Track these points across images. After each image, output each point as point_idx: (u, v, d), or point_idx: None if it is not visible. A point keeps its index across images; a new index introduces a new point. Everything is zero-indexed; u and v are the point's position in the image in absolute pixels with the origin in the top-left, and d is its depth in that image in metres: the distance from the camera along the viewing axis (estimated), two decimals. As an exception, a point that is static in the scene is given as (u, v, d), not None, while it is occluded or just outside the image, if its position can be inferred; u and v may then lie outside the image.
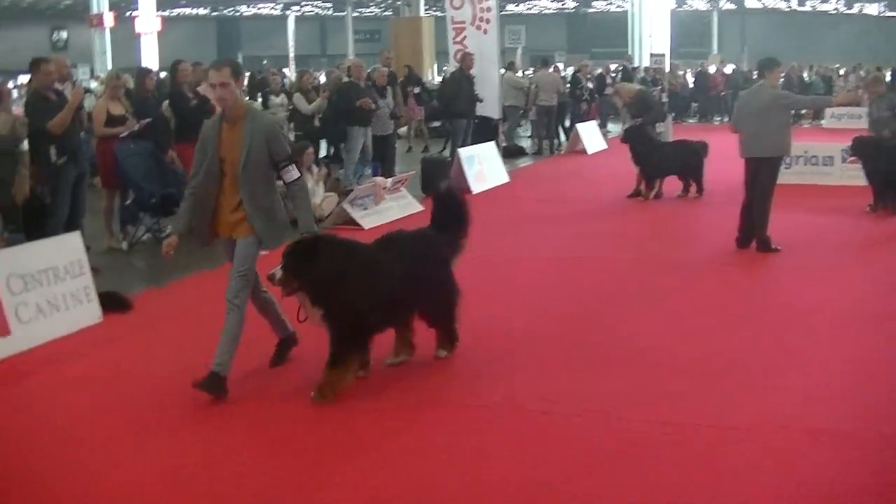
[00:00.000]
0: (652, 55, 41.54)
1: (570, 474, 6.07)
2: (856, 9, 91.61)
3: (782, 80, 36.31)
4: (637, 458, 6.25)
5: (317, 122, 19.24)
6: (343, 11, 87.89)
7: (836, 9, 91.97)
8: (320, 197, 15.68)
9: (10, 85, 23.79)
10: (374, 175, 17.39)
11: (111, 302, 10.10)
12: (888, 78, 37.09)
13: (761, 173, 12.40)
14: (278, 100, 21.05)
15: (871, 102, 16.49)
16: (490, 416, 7.10)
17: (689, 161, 17.21)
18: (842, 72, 42.97)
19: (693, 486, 5.87)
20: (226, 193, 7.53)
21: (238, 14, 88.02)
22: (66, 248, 9.93)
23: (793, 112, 13.66)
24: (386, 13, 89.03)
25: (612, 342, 8.90)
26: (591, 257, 12.80)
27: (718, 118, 37.71)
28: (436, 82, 30.75)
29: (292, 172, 7.48)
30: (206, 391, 7.32)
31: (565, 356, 8.48)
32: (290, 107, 19.74)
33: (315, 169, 16.02)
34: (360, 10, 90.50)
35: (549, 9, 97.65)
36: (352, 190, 15.65)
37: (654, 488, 5.85)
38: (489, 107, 22.00)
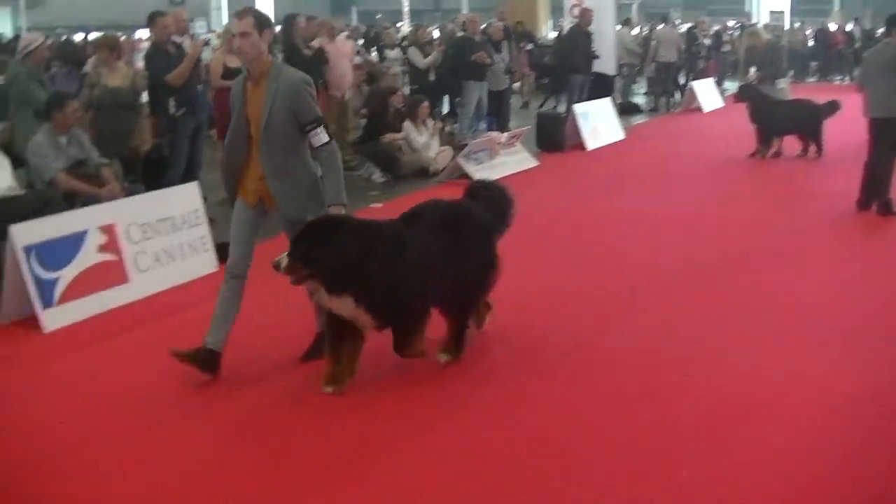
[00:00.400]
0: (771, 12, 40.74)
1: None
2: None
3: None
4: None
5: (432, 77, 19.18)
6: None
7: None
8: (435, 150, 15.64)
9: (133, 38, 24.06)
10: (489, 129, 17.30)
11: (227, 252, 10.13)
12: None
13: (885, 134, 12.01)
14: (393, 53, 21.05)
15: None
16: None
17: (807, 120, 16.75)
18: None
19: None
20: (254, 159, 6.89)
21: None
22: (184, 199, 10.00)
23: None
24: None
25: (725, 300, 8.68)
26: (705, 215, 12.50)
27: (839, 77, 36.85)
28: (550, 38, 30.45)
29: (320, 136, 6.72)
30: (197, 367, 6.89)
31: (674, 315, 8.29)
32: (406, 61, 19.69)
33: (430, 123, 15.96)
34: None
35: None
36: (466, 144, 15.56)
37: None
38: (605, 63, 21.67)
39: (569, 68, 20.48)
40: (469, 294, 7.27)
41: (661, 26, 27.89)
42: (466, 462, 5.60)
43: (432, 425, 6.18)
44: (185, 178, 11.58)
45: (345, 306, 6.43)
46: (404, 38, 24.75)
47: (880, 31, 38.16)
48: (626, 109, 23.95)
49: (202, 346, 6.91)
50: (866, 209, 12.25)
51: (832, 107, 16.50)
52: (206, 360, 6.91)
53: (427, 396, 6.60)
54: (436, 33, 26.97)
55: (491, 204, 7.78)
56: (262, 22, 6.79)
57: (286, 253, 6.42)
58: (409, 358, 6.84)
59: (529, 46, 25.80)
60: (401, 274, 6.48)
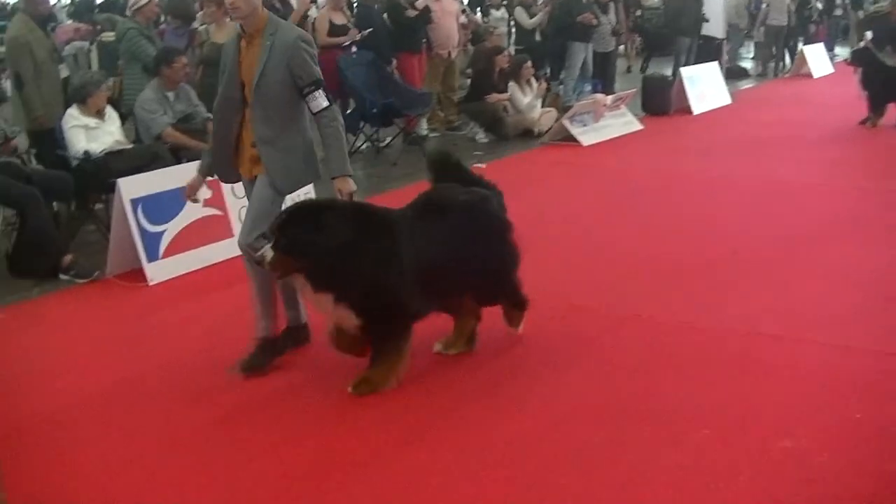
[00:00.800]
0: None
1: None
2: None
3: None
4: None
5: (538, 37, 19.00)
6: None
7: None
8: (539, 111, 15.50)
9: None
10: (595, 92, 17.09)
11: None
12: None
13: None
14: (499, 13, 20.88)
15: None
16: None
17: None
18: None
19: None
20: (248, 127, 6.24)
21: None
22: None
23: None
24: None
25: (826, 270, 8.42)
26: (812, 184, 12.09)
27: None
28: (657, 1, 30.01)
29: (319, 100, 6.07)
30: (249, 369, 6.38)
31: (775, 284, 8.06)
32: (513, 20, 19.54)
33: (534, 83, 15.81)
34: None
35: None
36: (571, 106, 15.40)
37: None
38: (713, 26, 21.25)
39: (676, 31, 20.18)
40: (494, 281, 6.50)
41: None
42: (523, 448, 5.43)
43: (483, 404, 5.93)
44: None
45: (327, 305, 5.78)
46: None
47: None
48: (734, 74, 23.50)
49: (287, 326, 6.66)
50: None
51: None
52: (297, 338, 6.73)
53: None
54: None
55: None
56: None
57: (269, 244, 5.72)
58: (368, 382, 5.99)
59: (639, 13, 25.39)
60: (389, 271, 5.76)
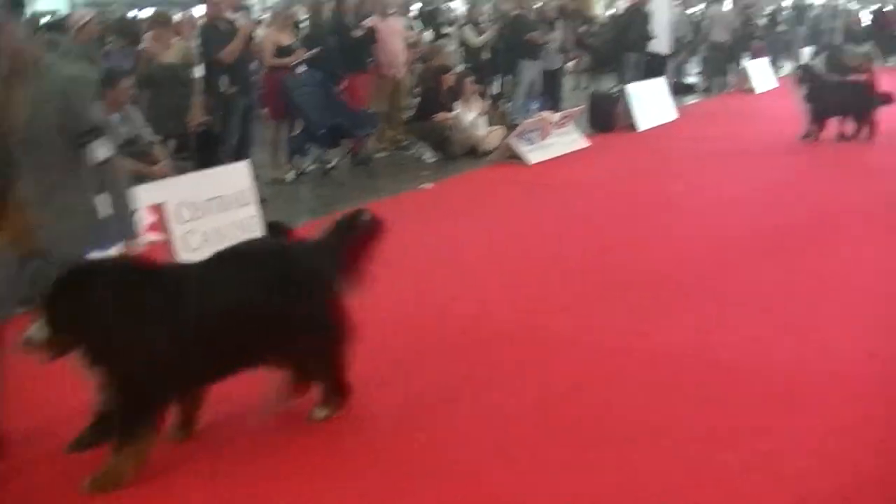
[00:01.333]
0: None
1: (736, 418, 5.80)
2: None
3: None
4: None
5: (486, 55, 19.04)
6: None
7: None
8: (484, 129, 15.51)
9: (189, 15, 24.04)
10: (542, 110, 17.15)
11: (275, 232, 10.07)
12: None
13: None
14: (449, 30, 20.93)
15: None
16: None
17: (857, 102, 16.41)
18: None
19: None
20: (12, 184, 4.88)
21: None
22: (235, 178, 9.92)
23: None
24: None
25: (770, 289, 8.47)
26: (758, 198, 12.20)
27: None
28: (605, 17, 30.19)
29: (99, 151, 5.04)
30: None
31: (730, 296, 8.09)
32: (461, 39, 19.58)
33: (477, 100, 15.83)
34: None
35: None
36: (519, 124, 15.43)
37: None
38: (658, 42, 21.41)
39: (623, 47, 20.31)
40: (311, 350, 5.62)
41: (714, 6, 27.48)
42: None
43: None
44: (237, 156, 11.54)
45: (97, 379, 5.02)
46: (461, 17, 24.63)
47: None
48: (680, 89, 23.66)
49: None
50: None
51: (887, 98, 16.17)
52: None
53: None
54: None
55: (342, 243, 5.82)
56: (14, 2, 5.57)
57: (38, 322, 4.71)
58: (109, 471, 5.03)
59: (582, 28, 25.48)
60: (158, 340, 4.92)
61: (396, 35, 15.73)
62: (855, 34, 34.15)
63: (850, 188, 12.69)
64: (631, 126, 17.77)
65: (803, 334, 7.18)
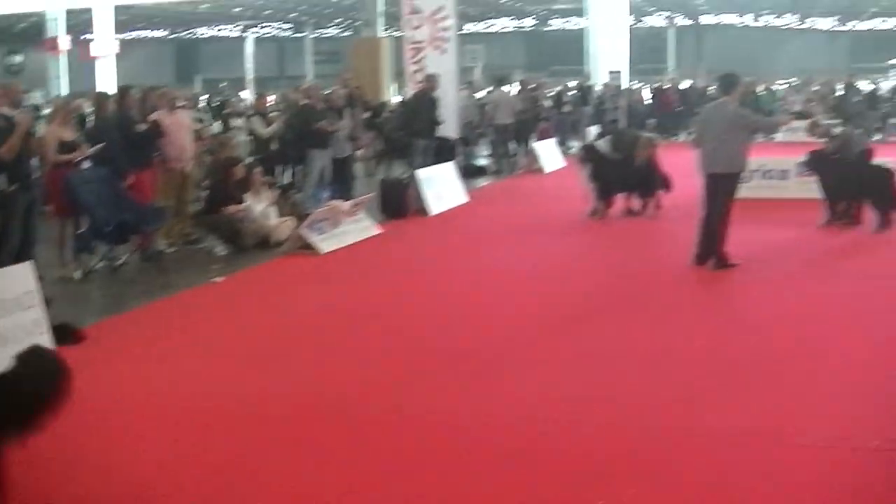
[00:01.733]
0: (610, 72, 41.68)
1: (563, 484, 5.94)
2: (808, 24, 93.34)
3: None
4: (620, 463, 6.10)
5: (274, 146, 19.07)
6: (302, 33, 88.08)
7: (788, 24, 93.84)
8: (274, 219, 15.49)
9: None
10: (333, 198, 17.23)
11: (63, 334, 9.85)
12: (839, 92, 37.39)
13: (720, 190, 12.34)
14: (239, 122, 20.90)
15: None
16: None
17: (641, 180, 17.09)
18: (794, 84, 43.11)
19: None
20: None
21: (196, 36, 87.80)
22: (17, 279, 9.64)
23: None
24: (345, 34, 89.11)
25: (573, 354, 8.77)
26: (548, 275, 12.66)
27: (674, 135, 37.83)
28: (394, 103, 30.65)
29: None
30: None
31: (529, 370, 8.31)
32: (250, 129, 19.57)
33: (265, 190, 15.82)
34: (319, 30, 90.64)
35: (507, 27, 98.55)
36: (310, 213, 15.46)
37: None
38: (448, 127, 21.87)
39: (412, 133, 20.63)
40: None
41: (497, 90, 28.07)
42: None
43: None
44: (19, 256, 11.23)
45: None
46: (248, 108, 24.64)
47: (712, 89, 39.46)
48: (471, 172, 24.10)
49: None
50: (703, 264, 12.53)
51: (666, 183, 16.99)
52: None
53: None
54: (273, 98, 26.90)
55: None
56: None
57: None
58: None
59: (367, 114, 25.76)
60: None
61: (184, 128, 15.63)
62: (638, 113, 35.57)
63: (635, 261, 13.18)
64: (423, 211, 17.99)
65: (599, 393, 7.59)
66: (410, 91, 23.01)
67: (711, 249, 12.52)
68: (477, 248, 14.82)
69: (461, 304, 11.00)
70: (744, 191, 17.75)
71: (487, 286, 12.01)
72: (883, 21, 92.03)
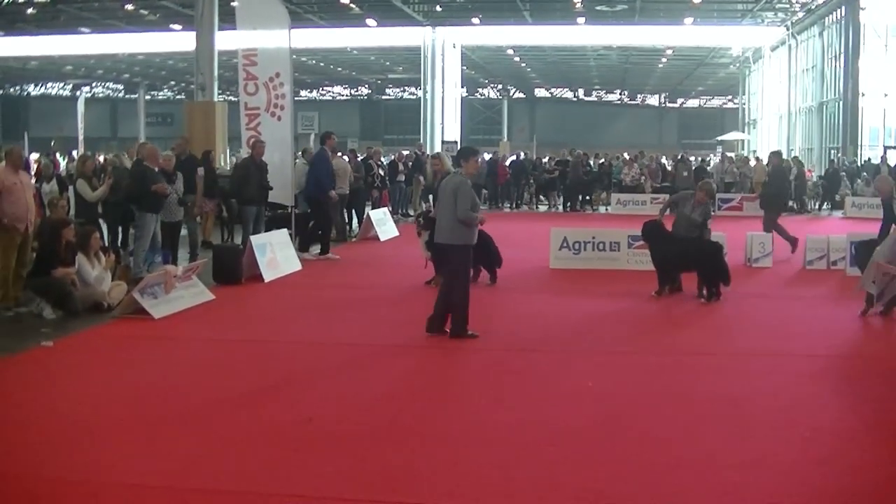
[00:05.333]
0: (444, 142, 42.27)
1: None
2: (638, 99, 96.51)
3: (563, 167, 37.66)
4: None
5: (101, 209, 18.76)
6: (135, 93, 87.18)
7: (620, 99, 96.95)
8: (108, 284, 15.26)
9: None
10: (165, 263, 17.07)
11: None
12: (669, 166, 38.75)
13: (451, 260, 12.87)
14: (48, 186, 20.54)
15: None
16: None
17: (478, 249, 17.39)
18: (626, 157, 44.41)
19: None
20: None
21: (26, 94, 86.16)
22: None
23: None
24: (179, 96, 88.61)
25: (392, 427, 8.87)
26: (386, 345, 12.76)
27: (508, 205, 38.60)
28: (228, 168, 30.51)
29: None
30: None
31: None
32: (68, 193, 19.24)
33: (102, 256, 15.58)
34: (152, 92, 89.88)
35: (342, 95, 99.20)
36: (142, 278, 15.27)
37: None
38: (283, 194, 21.84)
39: (243, 200, 20.54)
40: None
41: (334, 158, 28.12)
42: None
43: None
44: None
45: None
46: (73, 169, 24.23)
47: (546, 160, 40.46)
48: (307, 239, 24.08)
49: None
50: (435, 332, 12.87)
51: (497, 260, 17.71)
52: None
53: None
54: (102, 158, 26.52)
55: None
56: None
57: None
58: None
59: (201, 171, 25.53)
60: None
61: (29, 189, 15.31)
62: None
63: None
64: (257, 277, 17.88)
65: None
66: (244, 153, 22.93)
67: (444, 320, 12.89)
68: (307, 317, 14.87)
69: (285, 380, 10.95)
70: (577, 261, 18.79)
71: (316, 360, 12.01)
72: (708, 100, 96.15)
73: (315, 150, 25.91)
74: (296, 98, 26.46)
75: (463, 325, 12.77)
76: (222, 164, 31.28)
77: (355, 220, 27.82)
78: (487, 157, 44.18)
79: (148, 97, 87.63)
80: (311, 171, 22.11)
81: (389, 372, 11.34)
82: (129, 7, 51.52)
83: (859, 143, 45.15)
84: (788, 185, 24.97)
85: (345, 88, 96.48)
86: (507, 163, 41.59)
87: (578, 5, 49.00)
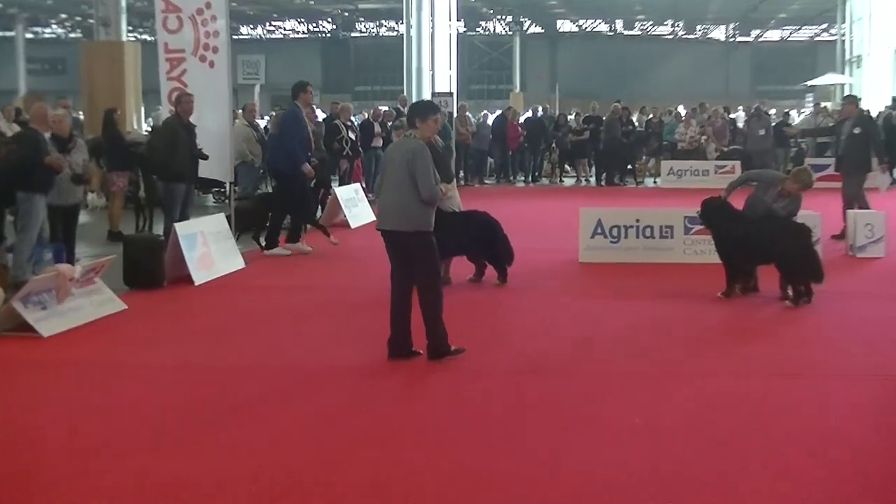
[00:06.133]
0: (434, 94, 42.09)
1: None
2: (698, 33, 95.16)
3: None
4: None
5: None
6: (11, 30, 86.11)
7: (672, 33, 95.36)
8: (-20, 292, 15.24)
9: None
10: (58, 261, 16.93)
11: None
12: (740, 122, 38.69)
13: (410, 254, 12.85)
14: None
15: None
16: None
17: (481, 239, 17.43)
18: (682, 111, 44.20)
19: None
20: None
21: None
22: None
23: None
24: (73, 35, 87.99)
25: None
26: (346, 367, 12.75)
27: (522, 177, 38.57)
28: (144, 131, 30.39)
29: None
30: None
31: None
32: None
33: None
34: (35, 29, 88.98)
35: (297, 32, 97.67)
36: (26, 282, 15.19)
37: None
38: (216, 167, 21.59)
39: (169, 175, 20.09)
40: None
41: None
42: None
43: None
44: None
45: None
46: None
47: (571, 118, 40.49)
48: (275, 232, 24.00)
49: None
50: (398, 356, 12.88)
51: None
52: None
53: None
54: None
55: None
56: None
57: None
58: None
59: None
60: None
61: None
62: (473, 151, 36.34)
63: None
64: (186, 278, 17.76)
65: None
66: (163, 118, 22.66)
67: (408, 337, 12.92)
68: (245, 330, 14.83)
69: (222, 408, 11.06)
70: (617, 253, 18.75)
71: (263, 384, 11.99)
72: (794, 31, 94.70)
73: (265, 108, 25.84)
74: (234, 37, 26.41)
75: (444, 338, 12.73)
76: (135, 126, 31.19)
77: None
78: (492, 115, 44.20)
79: (29, 35, 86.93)
80: (279, 137, 21.96)
81: (361, 407, 11.27)
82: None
83: None
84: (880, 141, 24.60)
85: (300, 23, 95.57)
86: (521, 121, 41.52)
87: None
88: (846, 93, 60.52)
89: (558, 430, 10.32)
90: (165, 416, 10.88)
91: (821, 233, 16.91)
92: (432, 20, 50.93)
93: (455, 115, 37.83)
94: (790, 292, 15.83)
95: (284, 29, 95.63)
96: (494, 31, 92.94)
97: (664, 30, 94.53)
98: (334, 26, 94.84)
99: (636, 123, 40.55)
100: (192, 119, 20.41)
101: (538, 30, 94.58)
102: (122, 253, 18.00)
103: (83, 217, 20.09)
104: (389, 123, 34.18)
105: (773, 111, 46.40)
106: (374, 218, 25.73)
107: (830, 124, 32.32)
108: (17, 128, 21.26)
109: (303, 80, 22.72)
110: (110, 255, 17.54)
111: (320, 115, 34.20)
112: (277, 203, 22.26)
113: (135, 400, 11.57)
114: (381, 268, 17.80)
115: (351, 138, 30.82)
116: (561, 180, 40.20)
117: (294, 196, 21.49)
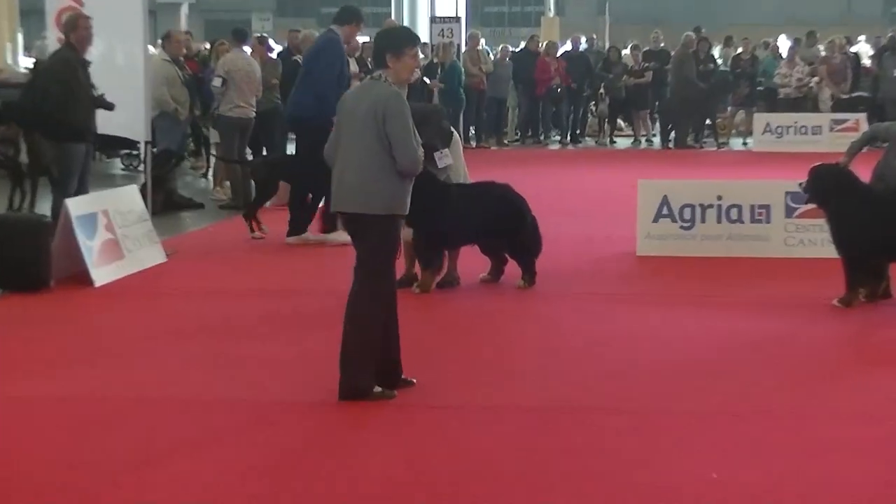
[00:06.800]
0: (433, 19, 42.15)
1: None
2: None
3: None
4: None
5: None
6: None
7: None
8: None
9: None
10: None
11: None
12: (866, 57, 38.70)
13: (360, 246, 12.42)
14: None
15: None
16: None
17: (499, 222, 17.28)
18: (784, 44, 44.11)
19: None
20: None
21: None
22: None
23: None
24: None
25: None
26: (303, 403, 12.63)
27: (557, 136, 38.58)
28: (23, 69, 30.44)
29: None
30: None
31: None
32: None
33: None
34: None
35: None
36: None
37: None
38: (129, 120, 21.44)
39: (63, 132, 19.98)
40: None
41: (234, 50, 27.68)
42: None
43: None
44: None
45: None
46: None
47: (626, 52, 40.61)
48: (175, 206, 23.95)
49: None
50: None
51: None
52: None
53: None
54: None
55: None
56: None
57: None
58: None
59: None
60: None
61: None
62: (487, 99, 36.69)
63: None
64: (82, 278, 17.66)
65: None
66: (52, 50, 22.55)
67: (396, 362, 12.63)
68: (152, 353, 14.58)
69: (120, 457, 10.96)
70: (686, 243, 18.61)
71: (165, 430, 11.91)
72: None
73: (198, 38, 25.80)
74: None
75: (365, 371, 12.23)
76: (8, 61, 31.21)
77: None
78: (515, 49, 44.18)
79: None
80: (308, 72, 21.66)
81: (320, 462, 11.22)
82: None
83: None
84: None
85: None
86: (557, 56, 41.42)
87: None
88: None
89: (606, 492, 10.17)
90: (42, 468, 10.85)
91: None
92: None
93: (464, 48, 37.92)
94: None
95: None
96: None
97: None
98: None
99: (718, 61, 40.54)
100: (90, 52, 20.20)
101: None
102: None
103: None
104: (370, 61, 33.93)
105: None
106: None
107: None
108: None
109: (349, 5, 22.62)
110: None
111: (276, 49, 34.04)
112: (298, 167, 22.10)
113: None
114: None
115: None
116: (612, 141, 40.29)
117: (317, 157, 21.04)
